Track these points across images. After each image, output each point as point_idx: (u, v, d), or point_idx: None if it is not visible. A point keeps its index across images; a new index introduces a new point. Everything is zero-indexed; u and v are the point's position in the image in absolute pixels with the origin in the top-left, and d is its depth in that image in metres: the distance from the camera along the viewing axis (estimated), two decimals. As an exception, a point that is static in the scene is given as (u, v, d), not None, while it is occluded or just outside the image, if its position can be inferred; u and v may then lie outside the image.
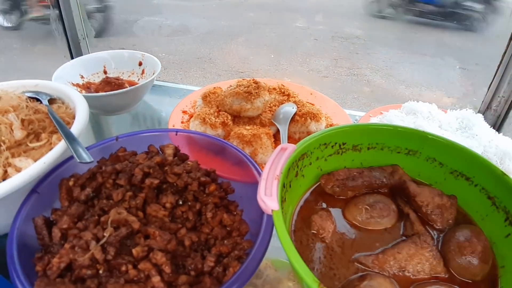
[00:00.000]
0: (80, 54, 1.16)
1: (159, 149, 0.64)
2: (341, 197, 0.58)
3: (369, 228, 0.54)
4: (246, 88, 0.79)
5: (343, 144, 0.61)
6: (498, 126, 0.98)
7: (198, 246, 0.53)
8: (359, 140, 0.62)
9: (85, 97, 0.83)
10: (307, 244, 0.51)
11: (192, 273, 0.48)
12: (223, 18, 5.83)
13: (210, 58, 4.52)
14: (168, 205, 0.53)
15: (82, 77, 0.99)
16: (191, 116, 0.86)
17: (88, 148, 0.63)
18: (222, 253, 0.52)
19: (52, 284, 0.42)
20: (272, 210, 0.43)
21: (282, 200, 0.49)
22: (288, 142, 0.74)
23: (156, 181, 0.54)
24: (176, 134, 0.67)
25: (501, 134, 0.84)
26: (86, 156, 0.55)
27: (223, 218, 0.57)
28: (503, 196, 0.54)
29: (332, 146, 0.60)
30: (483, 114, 1.00)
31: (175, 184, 0.56)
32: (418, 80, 3.97)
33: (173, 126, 0.81)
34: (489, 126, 0.86)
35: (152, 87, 1.12)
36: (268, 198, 0.43)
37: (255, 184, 0.60)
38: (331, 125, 0.86)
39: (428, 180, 0.62)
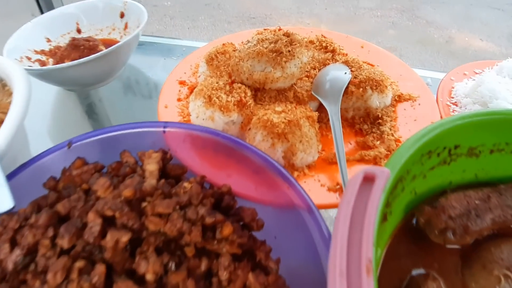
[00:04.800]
0: (52, 8, 0.88)
1: (137, 159, 0.40)
2: (454, 246, 0.33)
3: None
4: (273, 45, 0.51)
5: (456, 147, 0.35)
6: None
7: None
8: (480, 139, 0.35)
9: (44, 72, 0.58)
10: None
11: None
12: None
13: (219, 3, 4.07)
14: (150, 276, 0.30)
15: (48, 40, 0.72)
16: (191, 89, 0.60)
17: (21, 169, 0.40)
18: None
19: None
20: None
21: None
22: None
23: (125, 238, 0.30)
24: (164, 132, 0.42)
25: None
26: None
27: (249, 282, 0.33)
28: None
29: (438, 154, 0.34)
30: None
31: (161, 231, 0.33)
32: (448, 22, 3.44)
33: (166, 107, 0.56)
34: None
35: (143, 45, 0.85)
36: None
37: (291, 210, 0.37)
38: (399, 96, 0.58)
39: None
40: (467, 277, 0.31)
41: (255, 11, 3.86)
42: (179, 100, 0.58)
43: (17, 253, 0.30)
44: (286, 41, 0.52)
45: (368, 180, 0.26)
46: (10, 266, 0.30)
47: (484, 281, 0.30)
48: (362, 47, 0.69)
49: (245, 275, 0.34)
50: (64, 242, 0.29)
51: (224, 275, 0.33)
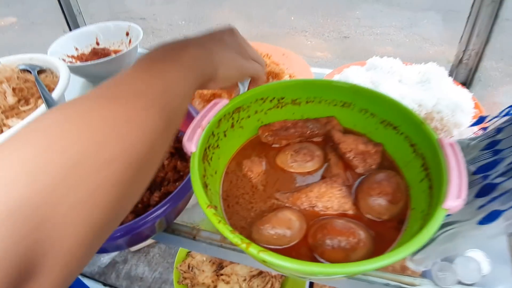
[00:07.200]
0: (77, 27, 1.28)
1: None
2: (275, 145, 0.66)
3: (293, 171, 0.62)
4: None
5: (282, 98, 0.68)
6: (470, 79, 0.98)
7: (152, 186, 0.65)
8: (297, 94, 0.68)
9: (74, 67, 0.95)
10: (236, 183, 0.60)
11: (140, 205, 0.59)
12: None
13: (229, 23, 4.49)
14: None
15: (76, 49, 1.11)
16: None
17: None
18: (169, 191, 0.63)
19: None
20: (191, 152, 0.52)
21: (213, 147, 0.59)
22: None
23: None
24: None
25: (456, 86, 0.86)
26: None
27: (177, 165, 0.67)
28: (422, 143, 0.58)
29: (271, 101, 0.67)
30: (456, 68, 1.00)
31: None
32: (437, 36, 3.75)
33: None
34: (452, 79, 0.89)
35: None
36: (189, 142, 0.52)
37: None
38: (293, 84, 0.92)
39: (363, 130, 0.68)
40: (276, 157, 0.64)
41: (262, 30, 4.26)
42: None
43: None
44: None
45: (216, 103, 0.60)
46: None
47: (282, 156, 0.63)
48: (283, 54, 1.03)
49: (176, 162, 0.68)
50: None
51: (165, 162, 0.67)
